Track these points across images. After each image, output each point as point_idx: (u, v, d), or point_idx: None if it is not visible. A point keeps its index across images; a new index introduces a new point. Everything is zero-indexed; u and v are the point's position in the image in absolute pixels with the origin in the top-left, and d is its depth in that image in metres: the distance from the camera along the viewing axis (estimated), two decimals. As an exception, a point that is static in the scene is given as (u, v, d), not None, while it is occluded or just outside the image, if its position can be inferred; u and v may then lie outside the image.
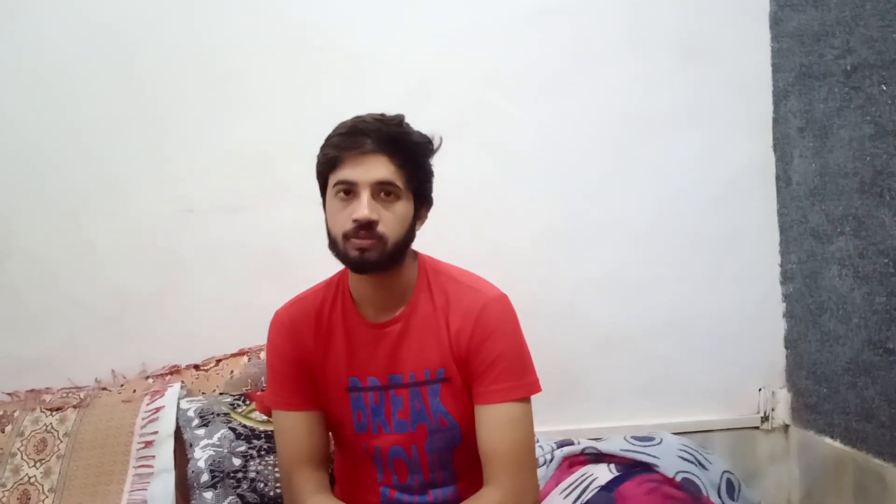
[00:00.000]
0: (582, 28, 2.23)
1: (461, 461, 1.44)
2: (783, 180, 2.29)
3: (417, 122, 1.37)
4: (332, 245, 1.35)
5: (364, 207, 1.28)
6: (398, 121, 1.35)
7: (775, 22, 2.27)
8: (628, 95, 2.25)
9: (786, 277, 2.30)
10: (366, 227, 1.29)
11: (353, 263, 1.33)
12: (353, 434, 1.44)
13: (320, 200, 1.40)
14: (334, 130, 1.35)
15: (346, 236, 1.30)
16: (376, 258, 1.31)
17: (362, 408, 1.42)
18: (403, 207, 1.33)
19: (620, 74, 2.24)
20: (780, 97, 2.28)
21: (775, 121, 2.30)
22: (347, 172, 1.30)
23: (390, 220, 1.31)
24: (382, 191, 1.30)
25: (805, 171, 2.18)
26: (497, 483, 1.31)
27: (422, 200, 1.39)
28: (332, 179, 1.33)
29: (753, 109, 2.31)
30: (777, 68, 2.28)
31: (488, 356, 1.35)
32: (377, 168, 1.29)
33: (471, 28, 2.19)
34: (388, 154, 1.30)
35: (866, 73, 1.93)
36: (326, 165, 1.34)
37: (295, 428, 1.44)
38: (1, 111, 2.06)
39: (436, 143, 1.39)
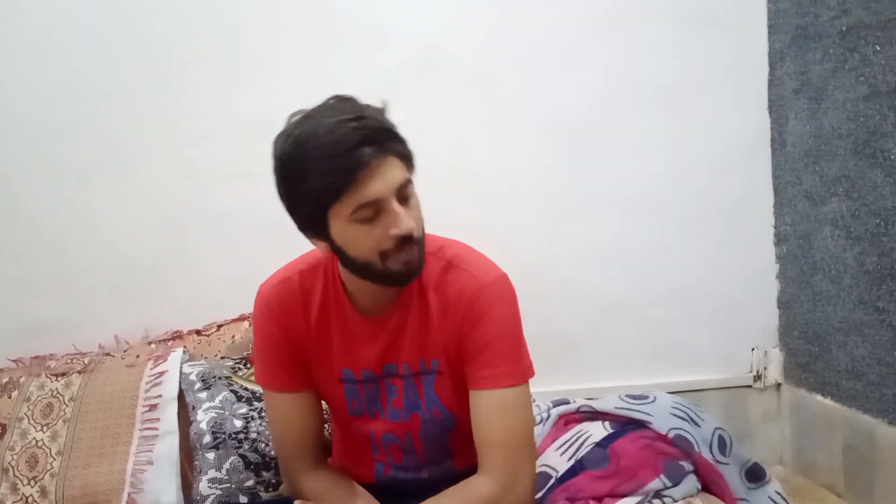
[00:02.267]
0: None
1: (457, 441, 1.40)
2: (778, 143, 2.30)
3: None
4: (365, 269, 1.21)
5: (404, 220, 1.15)
6: (362, 104, 1.17)
7: (772, -18, 2.27)
8: (629, 64, 2.25)
9: (779, 239, 2.33)
10: (407, 240, 1.17)
11: (401, 278, 1.22)
12: (348, 417, 1.40)
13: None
14: (314, 150, 1.12)
15: (385, 255, 1.18)
16: (419, 263, 1.23)
17: (357, 397, 1.37)
18: (417, 196, 1.22)
19: (621, 44, 2.25)
20: (775, 59, 2.28)
21: (771, 83, 2.31)
22: (369, 191, 1.13)
23: (417, 218, 1.20)
24: (404, 192, 1.17)
25: (800, 134, 2.19)
26: (488, 472, 1.24)
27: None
28: (347, 206, 1.14)
29: (751, 73, 2.32)
30: (773, 30, 2.28)
31: (480, 340, 1.26)
32: (392, 171, 1.15)
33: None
34: (391, 152, 1.15)
35: (861, 33, 1.93)
36: (327, 196, 1.14)
37: (288, 409, 1.38)
38: (8, 76, 2.05)
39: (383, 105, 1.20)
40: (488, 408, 1.26)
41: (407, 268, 1.20)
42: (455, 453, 1.42)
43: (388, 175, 1.14)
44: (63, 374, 1.90)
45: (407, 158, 1.19)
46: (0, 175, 2.06)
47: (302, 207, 1.19)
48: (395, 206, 1.15)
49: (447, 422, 1.36)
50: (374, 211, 1.15)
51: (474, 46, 2.19)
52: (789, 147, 2.24)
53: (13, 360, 2.01)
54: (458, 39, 2.18)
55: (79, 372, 1.90)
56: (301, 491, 1.38)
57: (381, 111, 1.18)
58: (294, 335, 1.35)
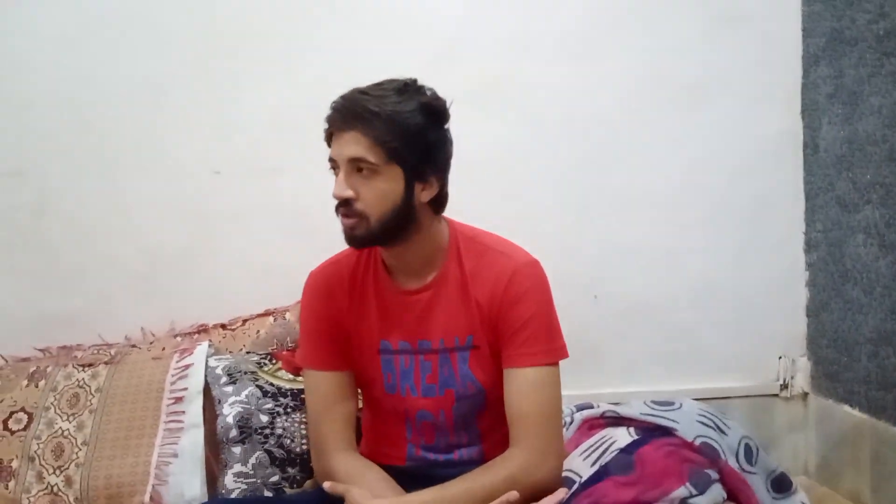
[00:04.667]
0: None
1: (486, 423, 1.47)
2: (811, 147, 2.27)
3: (444, 86, 1.36)
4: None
5: (337, 185, 1.32)
6: (384, 91, 1.32)
7: (807, -15, 2.24)
8: (657, 61, 2.23)
9: (810, 246, 2.29)
10: (343, 204, 1.32)
11: (345, 238, 1.37)
12: (383, 394, 1.48)
13: None
14: None
15: (337, 211, 1.35)
16: (362, 235, 1.34)
17: (392, 370, 1.45)
18: (384, 183, 1.31)
19: (650, 40, 2.22)
20: (809, 63, 2.25)
21: (804, 87, 2.27)
22: (332, 150, 1.34)
23: (369, 197, 1.31)
24: (356, 167, 1.31)
25: (833, 139, 2.16)
26: (522, 444, 1.34)
27: (421, 171, 1.34)
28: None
29: (783, 75, 2.28)
30: (808, 33, 2.25)
31: (517, 320, 1.37)
32: (348, 145, 1.30)
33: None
34: (359, 130, 1.29)
35: (899, 39, 1.90)
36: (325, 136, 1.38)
37: (325, 387, 1.47)
38: (36, 70, 2.06)
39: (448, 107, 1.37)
40: (523, 384, 1.36)
41: (346, 232, 1.35)
42: (484, 437, 1.48)
43: (344, 144, 1.31)
44: (90, 365, 1.92)
45: (382, 140, 1.29)
46: (25, 168, 2.07)
47: None
48: (340, 172, 1.32)
49: (479, 397, 1.44)
50: (334, 167, 1.35)
51: (496, 40, 2.17)
52: (822, 152, 2.21)
53: (40, 350, 2.03)
54: (481, 32, 2.17)
55: (105, 363, 1.92)
56: (331, 471, 1.42)
57: (400, 99, 1.31)
58: (337, 312, 1.47)
